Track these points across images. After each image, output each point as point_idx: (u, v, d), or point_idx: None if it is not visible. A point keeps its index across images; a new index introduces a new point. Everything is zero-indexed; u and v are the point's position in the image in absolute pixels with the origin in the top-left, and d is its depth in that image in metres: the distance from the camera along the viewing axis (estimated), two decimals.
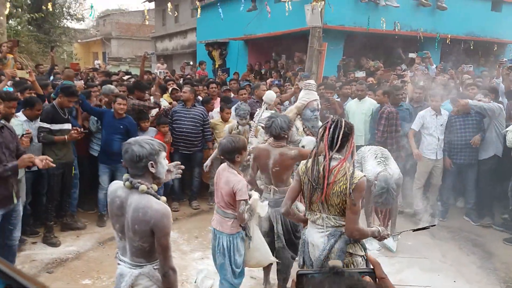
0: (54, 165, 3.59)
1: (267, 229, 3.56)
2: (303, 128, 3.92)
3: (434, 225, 3.44)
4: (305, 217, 2.78)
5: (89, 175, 5.68)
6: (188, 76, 10.80)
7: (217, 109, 6.52)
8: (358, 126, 6.36)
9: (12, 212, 3.75)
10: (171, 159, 5.65)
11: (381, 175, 4.28)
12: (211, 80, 8.81)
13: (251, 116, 5.47)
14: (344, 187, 2.49)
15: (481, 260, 4.73)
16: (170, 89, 7.08)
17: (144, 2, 23.58)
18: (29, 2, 18.12)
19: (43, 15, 15.40)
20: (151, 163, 2.15)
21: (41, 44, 17.06)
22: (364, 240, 2.71)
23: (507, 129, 5.24)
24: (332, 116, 2.72)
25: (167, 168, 2.28)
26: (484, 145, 5.67)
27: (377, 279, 0.86)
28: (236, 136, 3.28)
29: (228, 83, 8.88)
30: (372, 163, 4.51)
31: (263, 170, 3.56)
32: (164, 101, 6.62)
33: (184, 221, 5.72)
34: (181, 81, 9.01)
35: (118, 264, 2.32)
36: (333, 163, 2.53)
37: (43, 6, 12.42)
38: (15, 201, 3.70)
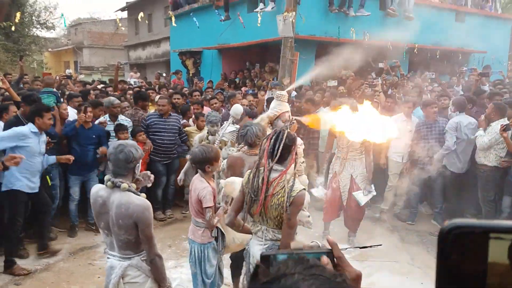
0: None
1: None
2: None
3: (380, 245, 3.56)
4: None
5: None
6: (166, 84, 10.78)
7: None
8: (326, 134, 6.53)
9: None
10: (149, 168, 5.63)
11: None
12: (194, 88, 8.94)
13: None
14: (282, 200, 2.45)
15: None
16: (156, 99, 7.04)
17: (116, 11, 23.40)
18: None
19: (11, 24, 15.06)
20: (138, 165, 2.43)
21: (10, 53, 16.67)
22: None
23: (476, 133, 5.44)
24: (278, 128, 2.73)
25: (136, 176, 2.48)
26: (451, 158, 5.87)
27: (334, 259, 0.90)
28: (209, 147, 3.30)
29: (204, 92, 8.93)
30: None
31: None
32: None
33: (158, 230, 5.69)
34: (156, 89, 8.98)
35: (108, 258, 2.50)
36: (274, 175, 2.51)
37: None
38: None
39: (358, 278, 0.89)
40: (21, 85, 8.28)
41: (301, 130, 6.19)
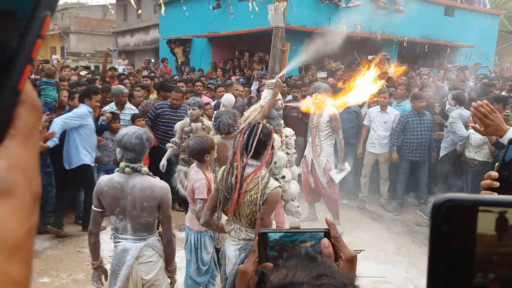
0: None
1: None
2: None
3: (363, 250, 3.65)
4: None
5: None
6: (153, 73, 10.68)
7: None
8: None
9: None
10: (159, 157, 5.56)
11: None
12: (197, 78, 8.89)
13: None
14: (255, 197, 2.34)
15: None
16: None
17: None
18: None
19: None
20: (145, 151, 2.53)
21: None
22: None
23: (469, 131, 5.52)
24: (252, 122, 2.62)
25: None
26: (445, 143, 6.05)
27: (331, 238, 0.93)
28: (203, 136, 3.30)
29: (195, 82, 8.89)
30: None
31: (224, 163, 3.61)
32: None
33: None
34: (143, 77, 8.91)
35: (118, 242, 2.55)
36: (249, 170, 2.41)
37: None
38: None
39: (353, 259, 0.91)
40: None
41: (291, 120, 6.24)
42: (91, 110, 4.94)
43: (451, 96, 6.23)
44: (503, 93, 6.45)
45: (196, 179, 3.10)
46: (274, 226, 2.74)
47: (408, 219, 6.08)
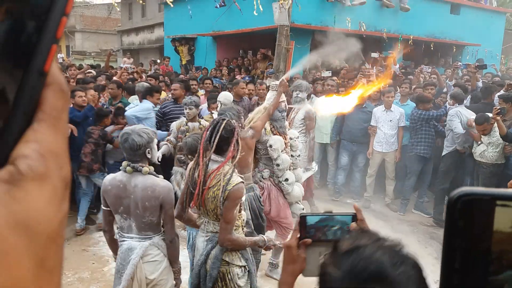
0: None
1: None
2: (270, 128, 4.00)
3: None
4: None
5: None
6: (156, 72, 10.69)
7: (205, 104, 6.50)
8: (325, 125, 6.59)
9: None
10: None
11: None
12: (205, 77, 8.91)
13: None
14: (217, 193, 2.38)
15: (438, 251, 4.99)
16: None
17: None
18: None
19: None
20: (148, 150, 2.46)
21: None
22: None
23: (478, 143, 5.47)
24: (217, 118, 2.64)
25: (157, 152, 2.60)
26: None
27: (357, 221, 1.16)
28: (201, 134, 3.30)
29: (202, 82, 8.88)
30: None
31: None
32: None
33: None
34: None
35: (123, 241, 2.55)
36: (213, 166, 2.43)
37: None
38: None
39: None
40: None
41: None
42: (153, 105, 5.56)
43: (449, 96, 6.21)
44: (502, 91, 6.41)
45: None
46: (245, 218, 2.75)
47: (413, 219, 6.06)
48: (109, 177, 2.56)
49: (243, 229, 2.65)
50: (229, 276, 2.52)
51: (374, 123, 6.29)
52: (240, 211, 2.59)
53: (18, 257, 0.24)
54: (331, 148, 6.77)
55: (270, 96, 4.09)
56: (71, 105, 5.30)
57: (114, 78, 7.48)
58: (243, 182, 2.45)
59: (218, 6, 12.18)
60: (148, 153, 2.49)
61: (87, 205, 5.19)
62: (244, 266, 2.57)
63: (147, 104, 5.52)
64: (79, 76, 8.04)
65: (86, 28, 28.88)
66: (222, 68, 11.68)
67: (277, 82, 4.21)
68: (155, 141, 2.56)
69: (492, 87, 6.37)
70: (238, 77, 9.82)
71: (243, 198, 2.78)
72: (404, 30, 12.44)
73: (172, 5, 11.06)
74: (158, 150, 3.01)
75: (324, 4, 11.16)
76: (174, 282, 2.70)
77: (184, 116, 4.88)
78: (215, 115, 4.91)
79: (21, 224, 0.24)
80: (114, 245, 2.68)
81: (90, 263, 4.33)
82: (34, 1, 0.28)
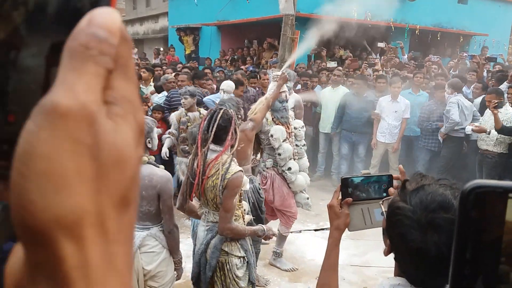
0: None
1: None
2: (272, 118, 4.01)
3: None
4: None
5: None
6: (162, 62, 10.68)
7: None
8: (331, 114, 6.59)
9: None
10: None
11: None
12: (205, 66, 8.96)
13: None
14: (216, 182, 2.40)
15: None
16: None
17: None
18: None
19: None
20: (148, 140, 2.46)
21: None
22: None
23: (475, 125, 5.44)
24: (214, 107, 2.65)
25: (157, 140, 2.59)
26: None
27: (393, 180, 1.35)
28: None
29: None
30: None
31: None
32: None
33: None
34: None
35: None
36: (212, 156, 2.44)
37: None
38: None
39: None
40: None
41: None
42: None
43: (447, 85, 6.18)
44: (506, 83, 6.38)
45: None
46: (246, 208, 2.77)
47: None
48: None
49: (243, 219, 2.66)
50: (227, 266, 2.53)
51: (378, 112, 6.24)
52: (240, 201, 2.60)
53: (110, 184, 0.25)
54: (335, 138, 6.76)
55: (271, 86, 4.09)
56: None
57: None
58: (241, 171, 2.46)
59: None
60: (149, 142, 2.48)
61: None
62: (243, 257, 2.58)
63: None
64: None
65: None
66: (227, 57, 11.65)
67: (278, 73, 4.20)
68: (155, 130, 2.57)
69: (504, 76, 6.39)
70: (243, 68, 9.79)
71: (247, 187, 2.79)
72: (410, 19, 12.33)
73: None
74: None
75: None
76: (175, 272, 2.69)
77: (176, 108, 4.89)
78: None
79: (116, 154, 0.25)
80: None
81: None
82: None
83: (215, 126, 2.43)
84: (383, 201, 1.26)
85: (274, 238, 3.63)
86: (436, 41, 12.86)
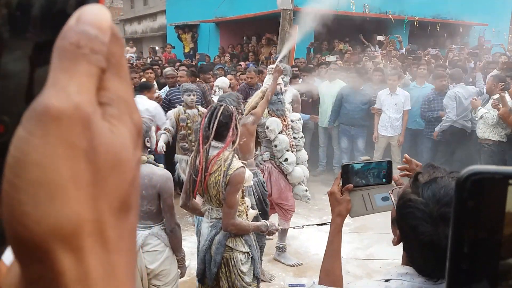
0: None
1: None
2: (268, 111, 4.02)
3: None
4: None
5: None
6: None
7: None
8: (328, 108, 6.56)
9: None
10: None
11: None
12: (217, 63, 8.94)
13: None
14: (218, 179, 2.41)
15: None
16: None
17: None
18: None
19: None
20: (147, 139, 2.45)
21: None
22: None
23: (479, 112, 5.41)
24: (214, 104, 2.64)
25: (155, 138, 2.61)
26: None
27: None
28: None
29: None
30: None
31: None
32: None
33: None
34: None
35: None
36: (213, 152, 2.45)
37: None
38: None
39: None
40: None
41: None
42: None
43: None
44: (495, 70, 6.37)
45: None
46: (248, 204, 2.76)
47: None
48: None
49: (247, 215, 2.66)
50: (232, 262, 2.54)
51: (378, 105, 6.21)
52: (243, 197, 2.59)
53: (109, 188, 0.24)
54: (334, 132, 6.74)
55: (267, 79, 4.08)
56: None
57: None
58: (243, 167, 2.46)
59: None
60: (147, 141, 2.48)
61: None
62: (248, 253, 2.58)
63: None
64: None
65: None
66: (225, 54, 11.60)
67: (274, 66, 4.19)
68: (153, 128, 2.57)
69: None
70: (242, 64, 9.75)
71: (251, 182, 2.79)
72: (409, 11, 12.26)
73: None
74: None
75: None
76: (179, 270, 2.69)
77: (181, 105, 4.81)
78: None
79: (113, 158, 0.24)
80: None
81: None
82: None
83: (215, 122, 2.43)
84: (392, 191, 1.25)
85: (277, 233, 3.63)
86: (436, 33, 12.78)
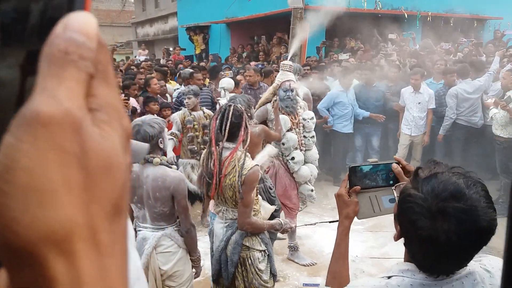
0: None
1: None
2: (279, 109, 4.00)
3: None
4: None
5: None
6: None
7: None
8: None
9: None
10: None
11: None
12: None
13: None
14: (234, 180, 2.40)
15: None
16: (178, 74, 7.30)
17: None
18: None
19: None
20: (160, 140, 2.45)
21: None
22: None
23: (490, 113, 5.35)
24: (223, 105, 2.63)
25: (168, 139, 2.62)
26: None
27: (400, 165, 1.35)
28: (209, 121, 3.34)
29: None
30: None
31: None
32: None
33: None
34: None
35: (139, 230, 2.55)
36: (226, 153, 2.45)
37: None
38: None
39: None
40: None
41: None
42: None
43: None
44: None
45: None
46: (263, 204, 2.76)
47: None
48: None
49: (261, 213, 2.66)
50: (249, 261, 2.54)
51: (402, 103, 6.06)
52: (257, 195, 2.59)
53: (103, 193, 0.24)
54: None
55: (278, 75, 4.07)
56: None
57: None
58: (257, 165, 2.46)
59: None
60: (161, 143, 2.47)
61: None
62: (264, 250, 2.58)
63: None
64: None
65: (101, 22, 29.08)
66: (236, 55, 11.62)
67: (286, 62, 4.17)
68: (166, 130, 2.57)
69: None
70: (252, 64, 9.75)
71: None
72: (421, 6, 12.10)
73: None
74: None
75: None
76: (194, 270, 2.69)
77: (184, 106, 4.71)
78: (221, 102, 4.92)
79: (104, 162, 0.24)
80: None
81: None
82: None
83: (228, 123, 2.43)
84: (395, 187, 1.24)
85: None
86: (449, 27, 12.59)
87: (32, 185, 0.21)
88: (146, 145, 2.08)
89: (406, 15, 11.75)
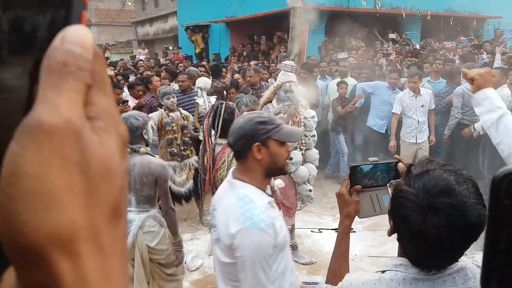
0: None
1: None
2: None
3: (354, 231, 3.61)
4: None
5: None
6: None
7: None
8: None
9: None
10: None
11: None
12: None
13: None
14: (223, 175, 2.47)
15: None
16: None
17: None
18: None
19: None
20: (144, 131, 2.73)
21: None
22: None
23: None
24: (215, 102, 2.73)
25: (151, 132, 2.88)
26: None
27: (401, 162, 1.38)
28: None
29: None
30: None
31: None
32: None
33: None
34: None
35: None
36: (218, 149, 2.53)
37: None
38: None
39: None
40: None
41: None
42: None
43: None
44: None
45: None
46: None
47: None
48: None
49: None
50: None
51: (398, 110, 5.55)
52: None
53: (101, 197, 0.25)
54: (331, 136, 6.53)
55: (279, 76, 4.08)
56: None
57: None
58: None
59: None
60: (145, 134, 2.75)
61: None
62: None
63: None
64: None
65: (101, 21, 29.09)
66: (237, 54, 11.63)
67: (287, 62, 4.18)
68: (150, 123, 2.83)
69: None
70: (252, 63, 9.76)
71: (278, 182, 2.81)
72: (421, 5, 12.10)
73: None
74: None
75: None
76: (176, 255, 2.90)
77: (167, 107, 4.60)
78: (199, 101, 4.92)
79: (104, 167, 0.25)
80: None
81: None
82: None
83: (220, 120, 2.52)
84: (390, 184, 1.29)
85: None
86: (449, 27, 12.60)
87: (38, 190, 0.23)
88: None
89: (404, 15, 11.75)
